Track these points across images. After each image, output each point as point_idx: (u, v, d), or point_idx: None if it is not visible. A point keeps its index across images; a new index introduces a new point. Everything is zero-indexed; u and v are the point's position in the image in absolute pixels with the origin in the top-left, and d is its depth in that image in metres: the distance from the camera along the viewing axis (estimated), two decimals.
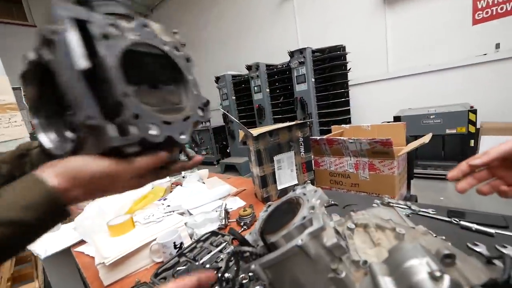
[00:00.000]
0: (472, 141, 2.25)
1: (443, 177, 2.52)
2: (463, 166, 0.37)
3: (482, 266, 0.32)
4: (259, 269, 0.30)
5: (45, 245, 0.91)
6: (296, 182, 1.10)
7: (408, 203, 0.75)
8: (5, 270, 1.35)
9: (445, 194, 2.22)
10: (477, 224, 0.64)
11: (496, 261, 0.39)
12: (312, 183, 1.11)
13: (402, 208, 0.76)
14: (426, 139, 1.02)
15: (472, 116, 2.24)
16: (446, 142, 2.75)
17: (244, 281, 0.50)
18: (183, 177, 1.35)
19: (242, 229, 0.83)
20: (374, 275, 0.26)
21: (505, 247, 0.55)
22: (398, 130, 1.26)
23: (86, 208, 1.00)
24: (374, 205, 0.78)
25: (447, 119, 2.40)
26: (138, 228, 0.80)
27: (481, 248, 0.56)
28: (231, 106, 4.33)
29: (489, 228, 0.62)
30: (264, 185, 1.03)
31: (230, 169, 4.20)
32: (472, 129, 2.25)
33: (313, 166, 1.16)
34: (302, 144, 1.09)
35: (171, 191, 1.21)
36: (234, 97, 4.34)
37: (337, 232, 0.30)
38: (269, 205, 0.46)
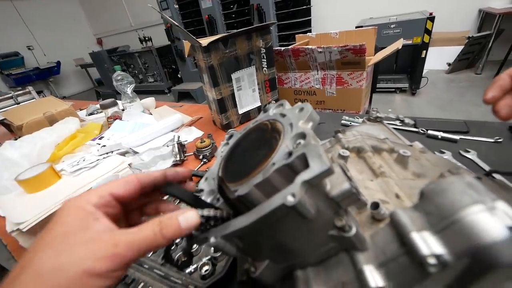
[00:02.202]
0: (424, 51, 2.30)
1: (392, 90, 2.68)
2: (504, 80, 0.27)
3: (498, 188, 0.26)
4: (222, 243, 0.19)
5: None
6: (259, 103, 0.96)
7: (400, 116, 0.69)
8: None
9: (392, 106, 2.41)
10: (442, 131, 0.63)
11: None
12: None
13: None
14: (398, 44, 0.92)
15: (429, 25, 2.19)
16: (400, 54, 2.79)
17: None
18: (122, 110, 1.09)
19: (202, 163, 0.72)
20: (402, 230, 0.17)
21: (468, 151, 0.56)
22: (368, 36, 1.12)
23: None
24: (358, 120, 0.71)
25: (406, 27, 2.32)
26: (65, 178, 0.62)
27: (447, 155, 0.56)
28: (174, 18, 3.50)
29: (453, 134, 0.62)
30: (223, 110, 0.87)
31: (184, 97, 3.82)
32: (426, 38, 2.25)
33: (277, 84, 1.01)
34: (265, 57, 0.90)
35: (108, 127, 0.98)
36: (177, 6, 3.45)
37: (343, 171, 0.19)
38: (231, 135, 0.32)
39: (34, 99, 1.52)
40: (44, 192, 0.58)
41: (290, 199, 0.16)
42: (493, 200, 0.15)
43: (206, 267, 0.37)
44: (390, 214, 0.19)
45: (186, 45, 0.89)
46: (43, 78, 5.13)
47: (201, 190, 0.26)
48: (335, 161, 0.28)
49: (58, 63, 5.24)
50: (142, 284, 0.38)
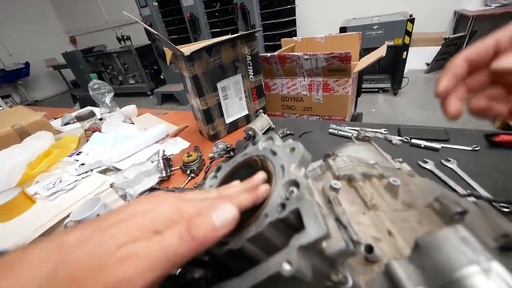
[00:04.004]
0: (405, 52, 2.38)
1: (376, 90, 2.76)
2: (458, 67, 0.23)
3: (480, 213, 0.26)
4: None
5: None
6: (247, 112, 0.95)
7: (388, 136, 0.69)
8: None
9: (376, 106, 2.48)
10: (424, 140, 0.65)
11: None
12: (264, 111, 0.99)
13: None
14: (382, 51, 0.94)
15: (409, 26, 2.27)
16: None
17: None
18: (100, 119, 1.04)
19: (189, 177, 0.70)
20: (399, 285, 0.17)
21: (448, 160, 0.58)
22: (353, 41, 1.14)
23: None
24: (350, 136, 0.72)
25: (388, 29, 2.39)
26: (40, 203, 0.58)
27: (430, 165, 0.57)
28: (154, 17, 3.38)
29: (434, 143, 0.64)
30: (209, 120, 0.85)
31: (168, 99, 3.71)
32: (407, 40, 2.33)
33: (264, 91, 1.00)
34: (251, 64, 0.89)
35: (87, 140, 0.93)
36: (157, 3, 3.33)
37: (339, 221, 0.18)
38: (219, 167, 0.31)
39: (1, 108, 1.41)
40: (17, 219, 0.53)
41: (287, 268, 0.15)
42: (488, 260, 0.15)
43: None
44: (385, 265, 0.18)
45: (167, 52, 0.86)
46: (11, 81, 4.73)
47: None
48: (327, 193, 0.28)
49: (27, 64, 4.84)
50: None
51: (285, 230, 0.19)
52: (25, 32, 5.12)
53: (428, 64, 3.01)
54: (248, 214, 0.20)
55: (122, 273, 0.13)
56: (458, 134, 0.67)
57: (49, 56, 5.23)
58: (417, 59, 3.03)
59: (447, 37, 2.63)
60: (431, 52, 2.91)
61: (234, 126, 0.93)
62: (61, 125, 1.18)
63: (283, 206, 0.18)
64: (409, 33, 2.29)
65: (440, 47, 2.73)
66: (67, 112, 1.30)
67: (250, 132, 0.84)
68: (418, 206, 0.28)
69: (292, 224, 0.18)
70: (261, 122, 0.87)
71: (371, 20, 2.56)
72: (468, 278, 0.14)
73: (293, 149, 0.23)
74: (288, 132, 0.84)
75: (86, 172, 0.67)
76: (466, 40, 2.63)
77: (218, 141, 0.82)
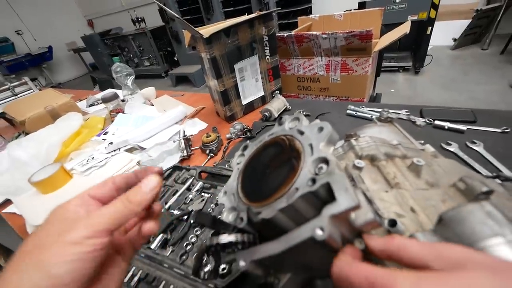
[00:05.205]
0: (430, 28, 2.20)
1: (395, 69, 2.62)
2: None
3: (507, 194, 0.27)
4: (252, 267, 0.20)
5: None
6: (263, 93, 0.95)
7: (412, 117, 0.67)
8: None
9: (395, 86, 2.36)
10: (449, 121, 0.63)
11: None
12: (280, 92, 0.98)
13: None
14: (405, 28, 0.88)
15: None
16: None
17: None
18: (123, 100, 1.08)
19: (209, 157, 0.73)
20: None
21: (474, 143, 0.56)
22: (374, 18, 1.07)
23: None
24: (370, 118, 0.71)
25: (412, 2, 2.20)
26: (76, 177, 0.63)
27: (453, 148, 0.56)
28: None
29: (460, 124, 0.62)
30: (226, 101, 0.86)
31: (182, 81, 3.73)
32: (433, 14, 2.15)
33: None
34: (267, 45, 0.87)
35: (112, 121, 0.97)
36: None
37: (366, 197, 0.20)
38: (246, 146, 0.32)
39: (32, 90, 1.49)
40: (58, 192, 0.59)
41: (319, 233, 0.16)
42: (505, 228, 0.16)
43: (223, 266, 0.39)
44: (409, 236, 0.20)
45: (186, 35, 0.85)
46: (36, 64, 4.96)
47: (222, 205, 0.27)
48: (350, 172, 0.29)
49: (50, 48, 5.03)
50: (163, 282, 0.41)
51: (314, 203, 0.20)
52: (46, 16, 5.26)
53: (455, 40, 2.78)
54: (277, 185, 0.22)
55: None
56: (487, 116, 0.64)
57: (69, 39, 5.41)
58: (443, 34, 2.80)
59: (479, 8, 2.39)
60: (459, 26, 2.67)
61: (250, 107, 0.93)
62: (86, 107, 1.24)
63: (313, 180, 0.20)
64: (435, 6, 2.10)
65: (471, 20, 2.50)
66: (90, 94, 1.35)
67: (266, 113, 0.85)
68: (442, 186, 0.28)
69: (322, 197, 0.20)
70: (278, 103, 0.87)
71: None
72: (492, 248, 0.15)
73: (321, 129, 0.23)
74: (305, 113, 0.84)
75: (114, 150, 0.71)
76: (502, 12, 2.38)
77: (235, 122, 0.84)
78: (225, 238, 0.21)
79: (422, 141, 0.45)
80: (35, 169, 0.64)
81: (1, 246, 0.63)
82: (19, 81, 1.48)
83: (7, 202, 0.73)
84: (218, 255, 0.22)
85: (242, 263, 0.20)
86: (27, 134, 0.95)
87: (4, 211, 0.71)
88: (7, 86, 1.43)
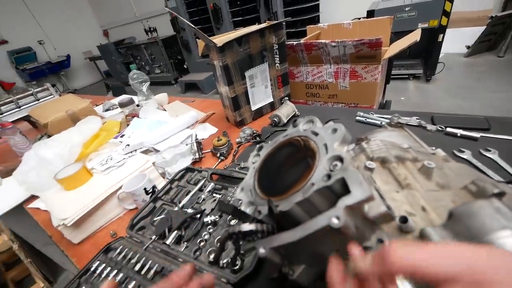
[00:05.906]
0: (441, 35, 2.19)
1: (405, 76, 2.60)
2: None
3: None
4: (270, 253, 0.22)
5: None
6: (272, 99, 0.97)
7: (423, 122, 0.68)
8: None
9: (405, 93, 2.35)
10: (461, 128, 0.63)
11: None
12: (289, 98, 1.00)
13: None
14: (415, 36, 0.89)
15: (447, 6, 2.07)
16: None
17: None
18: (137, 105, 1.12)
19: (219, 160, 0.75)
20: None
21: (488, 150, 0.56)
22: (383, 26, 1.09)
23: (25, 157, 0.79)
24: (381, 123, 0.71)
25: (422, 10, 2.20)
26: (96, 176, 0.67)
27: (466, 155, 0.56)
28: (179, 8, 3.44)
29: (473, 132, 0.61)
30: (237, 107, 0.89)
31: (191, 88, 3.82)
32: (444, 21, 2.14)
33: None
34: (277, 53, 0.90)
35: (127, 125, 1.02)
36: None
37: (378, 192, 0.21)
38: (261, 146, 0.34)
39: (52, 95, 1.58)
40: (80, 189, 0.63)
41: (335, 221, 0.18)
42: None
43: (236, 261, 0.41)
44: (420, 229, 0.21)
45: (200, 43, 0.89)
46: (55, 71, 5.26)
47: (240, 200, 0.29)
48: (362, 173, 0.30)
49: (68, 56, 5.34)
50: None
51: (328, 197, 0.22)
52: (66, 27, 5.62)
53: (468, 47, 2.74)
54: (293, 181, 0.23)
55: None
56: (501, 123, 0.63)
57: (86, 48, 5.75)
58: (455, 41, 2.76)
59: (494, 15, 2.36)
60: (472, 33, 2.64)
61: (259, 113, 0.96)
62: (102, 111, 1.30)
63: (328, 176, 0.21)
64: (447, 14, 2.10)
65: (485, 27, 2.47)
66: (106, 100, 1.41)
67: (275, 119, 0.86)
68: (453, 188, 0.29)
69: (336, 191, 0.21)
70: (287, 109, 0.89)
71: (403, 0, 2.38)
72: (500, 239, 0.16)
73: (335, 130, 0.25)
74: None
75: (131, 152, 0.75)
76: None
77: (245, 127, 0.86)
78: (247, 226, 0.22)
79: (434, 147, 0.45)
80: (58, 168, 0.68)
81: (25, 242, 0.66)
82: (41, 87, 1.57)
83: (32, 198, 0.78)
84: (238, 242, 0.24)
85: (262, 250, 0.22)
86: (49, 136, 1.01)
87: (29, 206, 0.75)
88: (30, 92, 1.51)
